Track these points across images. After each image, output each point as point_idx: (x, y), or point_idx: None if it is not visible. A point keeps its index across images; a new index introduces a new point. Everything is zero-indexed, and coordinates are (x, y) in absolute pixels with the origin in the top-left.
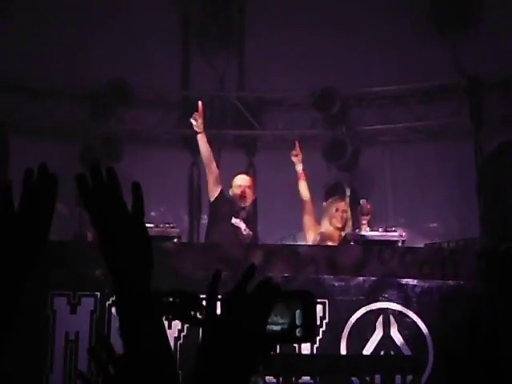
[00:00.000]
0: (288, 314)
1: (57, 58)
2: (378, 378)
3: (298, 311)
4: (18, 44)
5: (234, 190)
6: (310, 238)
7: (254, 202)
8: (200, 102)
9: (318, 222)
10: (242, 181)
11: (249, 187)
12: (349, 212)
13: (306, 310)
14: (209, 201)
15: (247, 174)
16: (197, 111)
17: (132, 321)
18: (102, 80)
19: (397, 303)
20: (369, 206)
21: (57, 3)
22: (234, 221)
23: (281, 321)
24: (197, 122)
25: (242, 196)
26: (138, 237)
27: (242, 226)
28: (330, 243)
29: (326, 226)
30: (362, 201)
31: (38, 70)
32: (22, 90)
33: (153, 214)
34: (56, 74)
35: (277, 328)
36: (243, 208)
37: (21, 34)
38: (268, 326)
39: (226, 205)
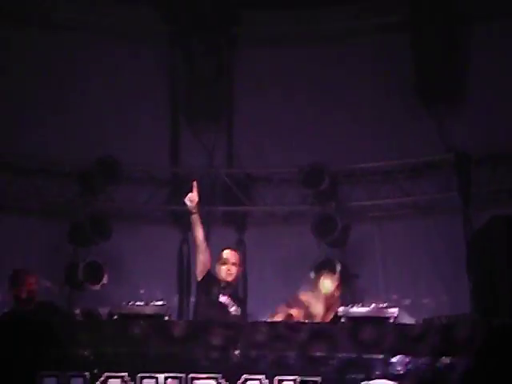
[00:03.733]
0: None
1: (45, 135)
2: None
3: None
4: (6, 123)
5: (220, 266)
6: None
7: (244, 276)
8: (194, 182)
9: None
10: (227, 255)
11: (234, 263)
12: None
13: None
14: (196, 280)
15: (233, 249)
16: (191, 191)
17: None
18: (91, 158)
19: (391, 380)
20: None
21: (46, 80)
22: (222, 299)
23: None
24: (193, 203)
25: (228, 272)
26: None
27: (230, 303)
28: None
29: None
30: None
31: (26, 149)
32: (9, 168)
33: (142, 291)
34: (44, 151)
35: None
36: (229, 283)
37: (9, 113)
38: None
39: (214, 284)
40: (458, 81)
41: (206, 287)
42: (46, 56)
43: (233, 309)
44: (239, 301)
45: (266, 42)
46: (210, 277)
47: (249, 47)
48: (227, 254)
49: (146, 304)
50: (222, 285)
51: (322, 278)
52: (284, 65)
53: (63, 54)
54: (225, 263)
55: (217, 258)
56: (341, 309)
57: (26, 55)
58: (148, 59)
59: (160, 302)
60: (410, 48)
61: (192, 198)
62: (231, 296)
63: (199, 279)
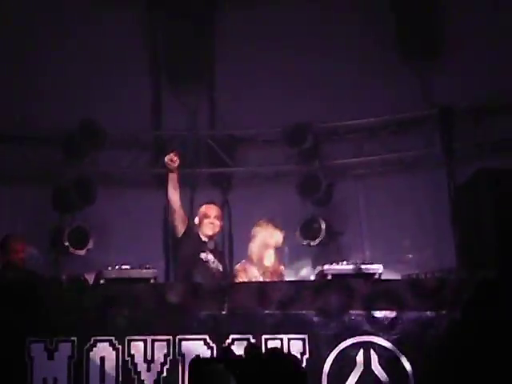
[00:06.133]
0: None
1: (28, 101)
2: None
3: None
4: None
5: (202, 219)
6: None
7: (229, 237)
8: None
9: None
10: (209, 209)
11: (216, 217)
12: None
13: None
14: (175, 238)
15: (214, 202)
16: (173, 151)
17: None
18: (74, 122)
19: (377, 336)
20: None
21: (28, 44)
22: (203, 255)
23: None
24: (174, 163)
25: (211, 225)
26: None
27: (211, 258)
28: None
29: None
30: None
31: (9, 115)
32: None
33: (128, 255)
34: (28, 117)
35: None
36: (211, 238)
37: None
38: None
39: (194, 239)
40: (439, 36)
41: (186, 243)
42: (28, 20)
43: (214, 265)
44: (220, 256)
45: (247, 2)
46: (190, 233)
47: (230, 8)
48: (209, 207)
49: (133, 268)
50: (202, 240)
51: (261, 227)
52: (265, 25)
53: (46, 16)
54: (207, 216)
55: (198, 213)
56: (326, 266)
57: (8, 18)
58: (129, 22)
59: (146, 266)
60: (390, 4)
61: (173, 158)
62: (212, 251)
63: (179, 235)
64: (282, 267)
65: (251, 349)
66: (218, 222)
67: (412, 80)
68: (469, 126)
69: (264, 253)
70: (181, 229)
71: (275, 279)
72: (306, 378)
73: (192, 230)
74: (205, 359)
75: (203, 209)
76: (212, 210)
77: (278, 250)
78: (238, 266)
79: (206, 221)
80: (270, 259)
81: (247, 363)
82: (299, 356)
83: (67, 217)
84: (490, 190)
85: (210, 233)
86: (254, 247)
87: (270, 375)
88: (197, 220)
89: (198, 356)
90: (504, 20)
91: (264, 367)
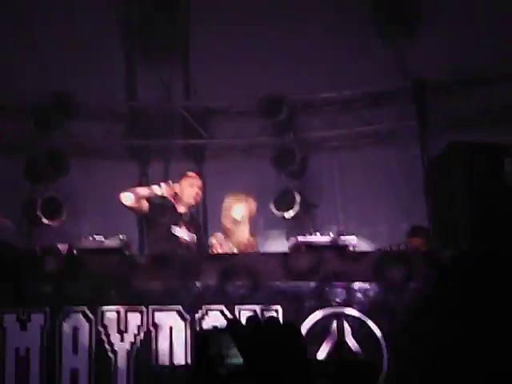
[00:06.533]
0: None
1: (0, 72)
2: None
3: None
4: None
5: (185, 189)
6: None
7: (204, 209)
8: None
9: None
10: (192, 179)
11: (199, 187)
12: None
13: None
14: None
15: (197, 173)
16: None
17: None
18: (47, 93)
19: (350, 307)
20: None
21: (1, 16)
22: (175, 230)
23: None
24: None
25: (196, 195)
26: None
27: (184, 233)
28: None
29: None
30: None
31: None
32: None
33: (101, 226)
34: None
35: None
36: (189, 209)
37: None
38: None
39: (164, 214)
40: (415, 9)
41: (158, 217)
42: None
43: (188, 238)
44: (196, 228)
45: None
46: (157, 206)
47: None
48: (193, 177)
49: (106, 238)
50: (178, 212)
51: (234, 199)
52: None
53: None
54: (191, 186)
55: (180, 183)
56: (300, 237)
57: None
58: None
59: (120, 236)
60: None
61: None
62: (187, 224)
63: (146, 211)
64: (255, 239)
65: (252, 319)
66: (200, 193)
67: (387, 53)
68: (443, 99)
69: (237, 223)
70: (143, 202)
71: (249, 251)
72: (306, 346)
73: (158, 205)
74: (211, 330)
75: (187, 178)
76: (196, 180)
77: (252, 221)
78: (212, 239)
79: (189, 190)
80: (243, 230)
81: (249, 333)
82: None
83: (40, 188)
84: (463, 163)
85: (192, 202)
86: (228, 219)
87: (271, 343)
88: (178, 189)
89: (203, 329)
90: None
91: (264, 336)
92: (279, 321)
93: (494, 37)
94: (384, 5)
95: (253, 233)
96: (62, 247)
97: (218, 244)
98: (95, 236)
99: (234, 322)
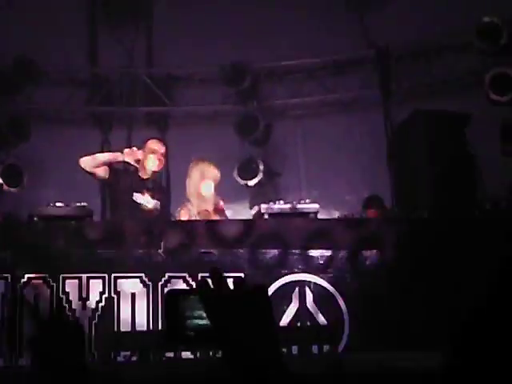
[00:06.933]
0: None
1: None
2: (294, 349)
3: None
4: None
5: (149, 154)
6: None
7: (167, 177)
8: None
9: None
10: (156, 145)
11: (162, 154)
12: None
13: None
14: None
15: (161, 140)
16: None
17: None
18: (8, 58)
19: (312, 274)
20: None
21: None
22: (136, 196)
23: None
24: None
25: (159, 160)
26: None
27: (147, 199)
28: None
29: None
30: None
31: None
32: None
33: (63, 193)
34: None
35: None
36: (152, 175)
37: None
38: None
39: (125, 178)
40: None
41: (120, 183)
42: None
43: (150, 205)
44: (160, 194)
45: None
46: (118, 174)
47: None
48: (157, 143)
49: (67, 206)
50: (141, 178)
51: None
52: None
53: None
54: (154, 152)
55: (144, 148)
56: (263, 205)
57: None
58: None
59: (81, 204)
60: None
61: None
62: (150, 190)
63: (106, 178)
64: (222, 202)
65: (215, 271)
66: (163, 159)
67: (350, 21)
68: (406, 67)
69: (201, 185)
70: (104, 169)
71: (217, 216)
72: (270, 303)
73: (119, 170)
74: (180, 290)
75: (150, 144)
76: (160, 146)
77: (216, 186)
78: (179, 208)
79: (152, 156)
80: (208, 190)
81: (216, 294)
82: None
83: (1, 154)
84: (426, 132)
85: (155, 168)
86: (191, 183)
87: (238, 306)
88: (141, 155)
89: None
90: None
91: (232, 299)
92: (246, 283)
93: (456, 5)
94: None
95: (218, 195)
96: (23, 214)
97: (185, 211)
98: (56, 203)
99: (201, 283)
